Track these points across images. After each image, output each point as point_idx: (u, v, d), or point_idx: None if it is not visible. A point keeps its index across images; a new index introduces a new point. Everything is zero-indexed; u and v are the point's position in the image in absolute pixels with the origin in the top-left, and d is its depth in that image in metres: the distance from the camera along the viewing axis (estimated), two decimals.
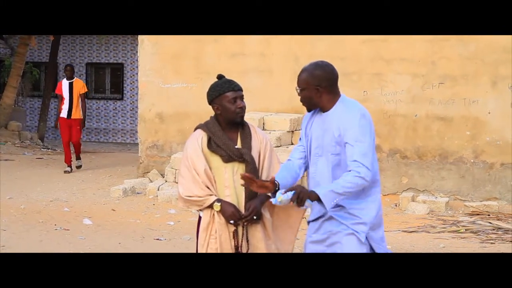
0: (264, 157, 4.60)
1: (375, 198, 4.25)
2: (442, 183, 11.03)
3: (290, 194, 4.14)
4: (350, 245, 4.18)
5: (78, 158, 13.71)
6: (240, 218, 4.45)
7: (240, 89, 4.56)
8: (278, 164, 4.67)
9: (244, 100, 4.62)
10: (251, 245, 4.52)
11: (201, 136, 4.53)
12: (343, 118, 4.17)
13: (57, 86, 13.91)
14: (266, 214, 4.59)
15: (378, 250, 4.24)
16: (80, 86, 13.68)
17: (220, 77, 4.60)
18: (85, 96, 13.80)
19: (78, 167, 13.67)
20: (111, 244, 8.37)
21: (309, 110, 4.37)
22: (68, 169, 13.47)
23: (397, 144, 11.20)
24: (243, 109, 4.54)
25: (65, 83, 13.61)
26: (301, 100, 4.33)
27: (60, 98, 13.65)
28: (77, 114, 13.48)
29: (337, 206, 4.22)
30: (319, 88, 4.24)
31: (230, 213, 4.44)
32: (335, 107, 4.24)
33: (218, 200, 4.46)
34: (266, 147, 4.61)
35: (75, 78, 13.75)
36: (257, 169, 4.53)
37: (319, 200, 4.11)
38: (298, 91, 4.31)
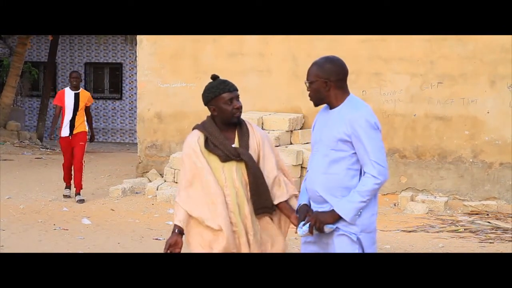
0: (263, 154, 4.58)
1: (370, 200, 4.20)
2: (441, 182, 11.03)
3: (306, 228, 4.14)
4: (342, 246, 4.15)
5: (78, 192, 10.95)
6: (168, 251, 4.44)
7: (236, 89, 4.55)
8: (273, 158, 4.61)
9: (243, 100, 4.60)
10: (263, 243, 4.53)
11: (197, 136, 4.53)
12: (352, 116, 4.16)
13: (56, 96, 11.16)
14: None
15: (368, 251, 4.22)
16: (86, 97, 11.11)
17: (214, 77, 4.58)
18: (90, 109, 11.33)
19: (80, 201, 10.86)
20: (110, 244, 8.37)
21: (315, 105, 4.35)
22: (67, 191, 11.16)
23: (396, 144, 11.21)
24: (239, 109, 4.53)
25: (69, 93, 10.97)
26: (310, 95, 4.31)
27: (59, 111, 11.07)
28: (79, 127, 10.98)
29: (327, 206, 4.20)
30: (327, 81, 4.23)
31: (169, 244, 4.44)
32: (343, 104, 4.23)
33: (179, 230, 4.47)
34: (264, 145, 4.59)
35: (81, 88, 11.14)
36: (257, 167, 4.52)
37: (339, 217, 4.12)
38: (307, 85, 4.29)
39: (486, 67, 10.88)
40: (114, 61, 22.76)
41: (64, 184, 11.27)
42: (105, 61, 22.84)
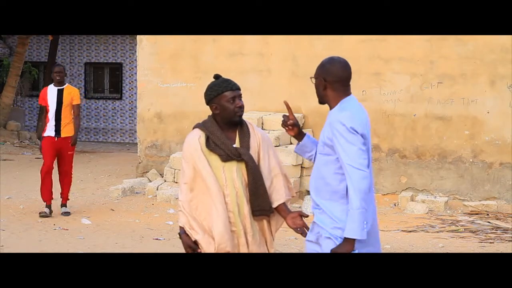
0: (263, 155, 4.58)
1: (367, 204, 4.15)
2: (441, 182, 11.03)
3: None
4: (328, 248, 4.11)
5: (64, 204, 9.95)
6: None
7: (238, 88, 4.54)
8: (276, 162, 4.61)
9: (243, 99, 4.60)
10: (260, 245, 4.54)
11: (198, 135, 4.51)
12: (332, 119, 4.15)
13: (40, 95, 9.95)
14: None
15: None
16: (73, 94, 9.83)
17: (216, 77, 4.58)
18: (79, 110, 9.96)
19: (65, 214, 9.87)
20: (110, 244, 8.37)
21: (319, 102, 4.34)
22: (46, 210, 9.70)
23: (396, 144, 11.21)
24: (241, 108, 4.52)
25: (52, 90, 9.76)
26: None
27: (44, 111, 9.90)
28: (69, 130, 9.75)
29: (319, 209, 4.19)
30: (322, 81, 4.22)
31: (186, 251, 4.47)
32: (335, 107, 4.22)
33: (182, 231, 4.47)
34: (263, 146, 4.59)
35: (67, 84, 9.90)
36: (257, 167, 4.51)
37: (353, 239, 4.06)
38: (312, 81, 4.30)
39: (486, 67, 10.88)
40: (114, 61, 22.76)
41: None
42: (105, 61, 22.85)
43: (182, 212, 4.46)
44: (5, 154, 15.95)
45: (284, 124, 4.47)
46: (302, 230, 4.42)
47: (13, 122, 19.30)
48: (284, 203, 4.55)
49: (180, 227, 4.48)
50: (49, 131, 9.70)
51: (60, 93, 9.72)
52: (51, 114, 9.70)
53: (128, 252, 7.68)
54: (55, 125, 9.67)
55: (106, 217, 9.93)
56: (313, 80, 4.29)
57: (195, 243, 4.43)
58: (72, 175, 10.05)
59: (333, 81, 4.20)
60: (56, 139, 9.68)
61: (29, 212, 10.06)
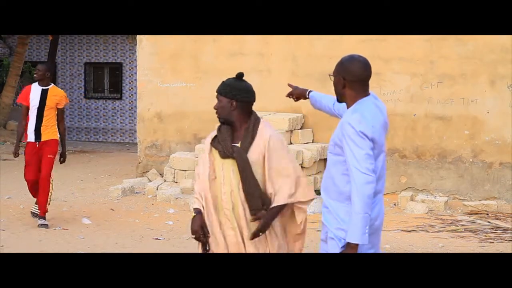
0: (269, 156, 4.54)
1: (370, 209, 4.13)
2: (441, 182, 11.03)
3: None
4: (331, 248, 4.12)
5: (42, 215, 8.96)
6: (198, 239, 4.52)
7: None
8: (289, 162, 4.57)
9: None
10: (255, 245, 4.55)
11: (214, 132, 4.65)
12: (343, 120, 4.15)
13: (21, 93, 9.11)
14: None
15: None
16: (58, 96, 9.00)
17: (240, 75, 4.60)
18: (64, 114, 9.17)
19: (43, 225, 8.91)
20: (110, 243, 8.37)
21: (337, 100, 4.33)
22: (45, 222, 8.99)
23: (396, 144, 11.20)
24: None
25: (35, 89, 8.92)
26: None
27: (26, 111, 8.97)
28: (50, 133, 8.88)
29: (327, 208, 4.20)
30: (341, 79, 4.21)
31: (193, 230, 4.54)
32: (351, 107, 4.20)
33: (198, 211, 4.55)
34: (271, 146, 4.54)
35: (52, 84, 9.07)
36: (249, 167, 4.47)
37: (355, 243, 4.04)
38: (331, 78, 4.29)
39: (486, 67, 10.87)
40: (114, 61, 22.76)
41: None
42: (105, 61, 22.84)
43: (198, 199, 4.60)
44: (5, 154, 15.93)
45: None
46: (256, 232, 4.45)
47: (13, 122, 19.27)
48: (278, 206, 4.51)
49: (195, 208, 4.59)
50: (30, 136, 8.91)
51: (44, 94, 8.89)
52: (33, 117, 8.85)
53: (128, 252, 7.68)
54: (35, 129, 8.86)
55: (106, 217, 9.93)
56: (332, 77, 4.28)
57: (200, 226, 4.54)
58: (51, 183, 9.00)
59: (352, 80, 4.19)
60: (37, 144, 8.90)
61: (29, 212, 10.05)
